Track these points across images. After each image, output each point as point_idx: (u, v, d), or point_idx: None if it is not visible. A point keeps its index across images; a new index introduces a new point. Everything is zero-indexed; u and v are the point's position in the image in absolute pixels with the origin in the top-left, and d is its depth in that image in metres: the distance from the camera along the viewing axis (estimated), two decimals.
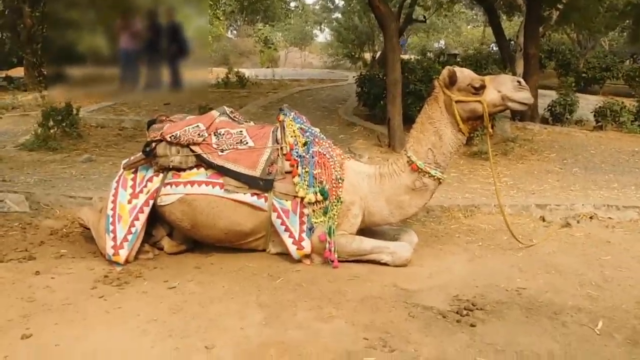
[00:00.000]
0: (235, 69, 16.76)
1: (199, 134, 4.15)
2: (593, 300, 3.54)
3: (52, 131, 8.32)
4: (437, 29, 34.31)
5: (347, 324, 3.21)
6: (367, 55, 29.58)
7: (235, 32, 42.11)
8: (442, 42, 38.72)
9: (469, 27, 40.45)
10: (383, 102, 9.33)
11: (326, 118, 10.98)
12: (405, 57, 19.37)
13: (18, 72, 18.44)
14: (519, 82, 3.96)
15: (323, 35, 39.79)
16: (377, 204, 4.19)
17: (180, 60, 16.97)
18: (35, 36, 16.48)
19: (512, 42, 14.44)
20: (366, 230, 4.35)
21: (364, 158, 7.53)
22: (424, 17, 25.79)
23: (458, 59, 18.81)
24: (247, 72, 22.28)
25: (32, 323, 3.21)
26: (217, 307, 3.49)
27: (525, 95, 3.97)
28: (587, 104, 11.81)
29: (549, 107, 10.87)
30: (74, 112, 8.74)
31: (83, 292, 3.67)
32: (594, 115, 10.60)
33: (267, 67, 30.30)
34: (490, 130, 4.08)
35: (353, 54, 30.21)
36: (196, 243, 4.43)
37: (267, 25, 34.70)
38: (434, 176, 4.08)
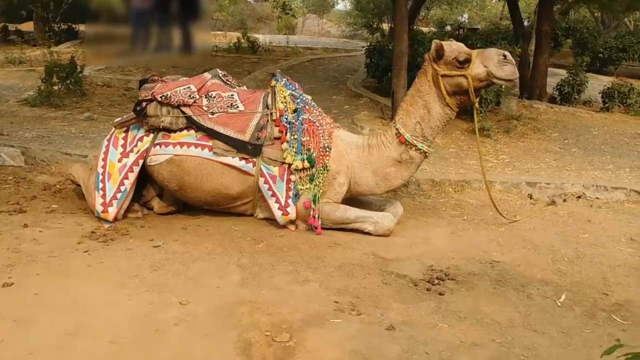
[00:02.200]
0: (248, 35, 16.56)
1: (189, 96, 4.17)
2: (562, 275, 3.61)
3: (55, 88, 8.34)
4: (460, 1, 33.48)
5: (321, 287, 3.28)
6: (386, 26, 29.14)
7: None
8: (466, 15, 37.89)
9: (493, 1, 39.49)
10: (391, 74, 9.23)
11: (334, 88, 10.91)
12: (425, 29, 19.02)
13: (28, 26, 18.43)
14: (504, 56, 3.89)
15: (343, 4, 39.15)
16: (363, 174, 4.21)
17: (191, 23, 16.83)
18: None
19: (528, 20, 14.12)
20: (352, 199, 4.38)
21: (365, 130, 7.51)
22: None
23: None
24: (262, 38, 22.08)
25: (15, 272, 3.31)
26: (197, 266, 3.57)
27: (509, 71, 3.90)
28: (599, 84, 11.60)
29: (558, 87, 10.69)
30: (78, 69, 8.74)
31: (69, 246, 3.76)
32: (602, 97, 10.42)
33: (284, 34, 29.99)
34: (477, 105, 4.05)
35: (371, 24, 29.75)
36: (186, 205, 4.49)
37: None
38: (421, 149, 4.08)
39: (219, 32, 23.35)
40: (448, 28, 27.24)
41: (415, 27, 19.82)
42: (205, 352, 2.67)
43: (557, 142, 8.08)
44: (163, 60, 13.27)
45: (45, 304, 2.98)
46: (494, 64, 3.87)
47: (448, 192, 5.29)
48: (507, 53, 3.92)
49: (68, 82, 8.65)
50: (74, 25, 17.46)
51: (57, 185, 4.92)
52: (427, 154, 4.15)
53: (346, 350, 2.62)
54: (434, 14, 37.85)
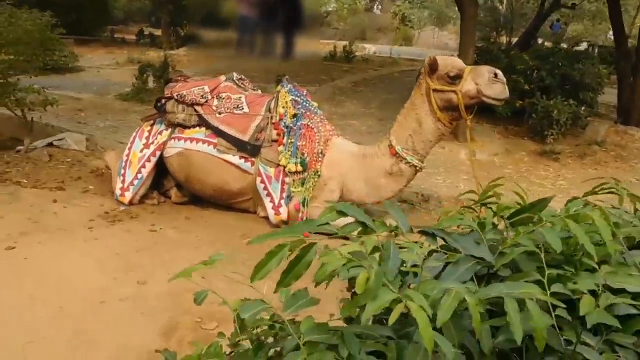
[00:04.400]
0: (350, 44, 16.84)
1: (202, 96, 4.48)
2: None
3: (149, 85, 9.20)
4: (604, 16, 30.94)
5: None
6: (504, 40, 27.92)
7: (380, 7, 41.99)
8: (611, 32, 34.92)
9: None
10: None
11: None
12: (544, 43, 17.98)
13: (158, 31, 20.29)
14: (495, 74, 3.71)
15: None
16: (355, 183, 4.23)
17: (296, 31, 17.40)
18: None
19: None
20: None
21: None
22: (574, 3, 23.69)
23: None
24: (371, 48, 22.27)
25: (23, 239, 3.81)
26: (178, 252, 3.84)
27: (498, 90, 3.71)
28: None
29: None
30: (170, 69, 9.56)
31: (79, 223, 4.23)
32: None
33: (400, 45, 29.95)
34: (469, 122, 3.89)
35: (489, 37, 28.67)
36: (202, 198, 4.79)
37: (407, 1, 34.12)
38: (410, 162, 4.02)
39: (329, 41, 23.94)
40: (584, 45, 25.41)
41: (534, 43, 18.87)
42: (132, 327, 2.92)
43: (636, 173, 7.34)
44: (261, 66, 14.01)
45: (26, 268, 3.42)
46: (484, 81, 3.71)
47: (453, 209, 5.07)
48: (498, 71, 3.74)
49: (161, 80, 9.50)
50: (197, 31, 18.96)
51: (103, 170, 5.50)
52: (418, 168, 4.08)
53: None
54: (574, 29, 35.41)
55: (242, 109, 4.42)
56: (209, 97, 4.49)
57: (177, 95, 4.51)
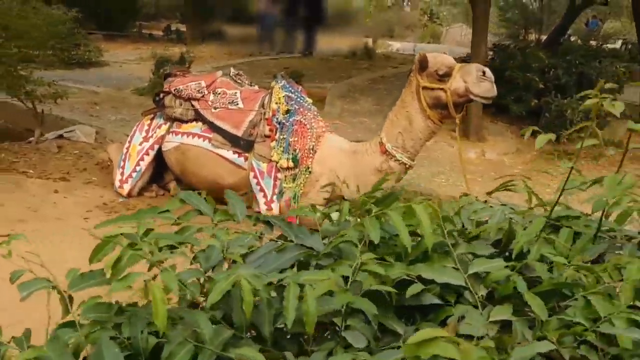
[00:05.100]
0: (370, 41, 16.78)
1: (198, 91, 4.55)
2: None
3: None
4: None
5: None
6: (532, 37, 27.37)
7: (409, 3, 41.64)
8: None
9: None
10: None
11: None
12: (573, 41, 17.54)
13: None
14: (483, 72, 3.65)
15: (492, 12, 37.47)
16: (346, 179, 4.22)
17: (317, 28, 17.45)
18: None
19: None
20: None
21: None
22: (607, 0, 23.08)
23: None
24: (397, 45, 22.13)
25: (18, 225, 3.94)
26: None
27: (486, 88, 3.65)
28: None
29: None
30: (187, 65, 9.69)
31: (77, 213, 4.35)
32: None
33: (428, 42, 29.66)
34: (458, 120, 3.84)
35: (517, 35, 28.19)
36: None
37: None
38: (400, 160, 4.00)
39: (354, 38, 23.87)
40: (619, 43, 24.76)
41: (564, 40, 18.41)
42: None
43: None
44: (280, 62, 14.06)
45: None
46: (472, 79, 3.66)
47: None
48: (486, 69, 3.68)
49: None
50: (221, 27, 19.18)
51: (107, 162, 5.63)
52: (408, 166, 4.05)
53: None
54: (611, 26, 34.50)
55: (237, 104, 4.46)
56: (205, 92, 4.55)
57: (174, 90, 4.59)
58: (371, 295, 0.87)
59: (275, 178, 4.31)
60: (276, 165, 4.29)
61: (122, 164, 4.74)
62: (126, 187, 4.69)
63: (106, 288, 0.98)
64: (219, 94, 4.53)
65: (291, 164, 4.23)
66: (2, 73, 5.58)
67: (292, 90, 4.47)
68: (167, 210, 1.17)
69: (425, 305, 0.95)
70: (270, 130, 4.32)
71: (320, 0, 14.79)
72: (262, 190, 4.35)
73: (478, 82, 3.66)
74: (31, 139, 5.91)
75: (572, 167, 1.38)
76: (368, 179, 4.16)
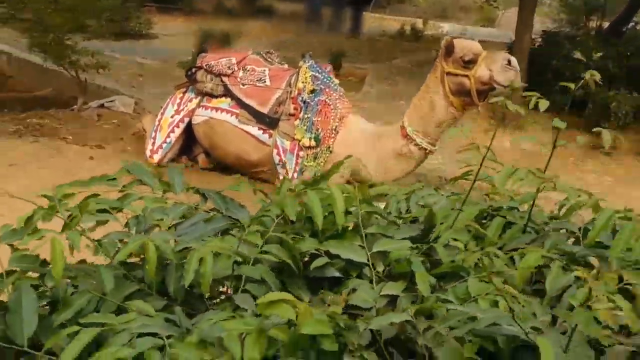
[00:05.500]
0: (418, 23, 16.48)
1: (228, 67, 4.65)
2: None
3: None
4: None
5: None
6: (593, 24, 26.18)
7: None
8: None
9: None
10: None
11: None
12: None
13: None
14: (509, 61, 3.59)
15: None
16: (366, 162, 4.26)
17: (365, 8, 17.34)
18: None
19: None
20: None
21: (465, 126, 7.24)
22: None
23: None
24: (446, 27, 21.62)
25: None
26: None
27: (509, 77, 3.60)
28: None
29: None
30: (230, 40, 9.83)
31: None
32: None
33: (482, 26, 28.86)
34: (480, 108, 3.80)
35: (577, 22, 27.02)
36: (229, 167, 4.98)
37: None
38: (420, 145, 4.00)
39: (405, 19, 23.50)
40: None
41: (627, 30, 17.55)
42: None
43: None
44: (325, 41, 14.04)
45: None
46: (497, 68, 3.62)
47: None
48: (512, 58, 3.63)
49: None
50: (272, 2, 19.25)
51: (143, 132, 5.83)
52: (428, 151, 4.05)
53: None
54: None
55: (265, 82, 4.55)
56: (235, 68, 4.65)
57: (206, 65, 4.71)
58: (282, 265, 0.95)
59: (298, 156, 4.40)
60: (299, 144, 4.37)
61: (153, 134, 4.92)
62: (156, 157, 4.87)
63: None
64: (248, 70, 4.63)
65: (313, 143, 4.30)
66: (50, 42, 5.85)
67: (319, 71, 4.52)
68: (114, 179, 1.26)
69: (335, 277, 1.03)
70: (295, 109, 4.39)
71: None
72: (283, 167, 4.44)
73: (503, 71, 3.62)
74: (74, 107, 6.18)
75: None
76: (388, 161, 4.20)
